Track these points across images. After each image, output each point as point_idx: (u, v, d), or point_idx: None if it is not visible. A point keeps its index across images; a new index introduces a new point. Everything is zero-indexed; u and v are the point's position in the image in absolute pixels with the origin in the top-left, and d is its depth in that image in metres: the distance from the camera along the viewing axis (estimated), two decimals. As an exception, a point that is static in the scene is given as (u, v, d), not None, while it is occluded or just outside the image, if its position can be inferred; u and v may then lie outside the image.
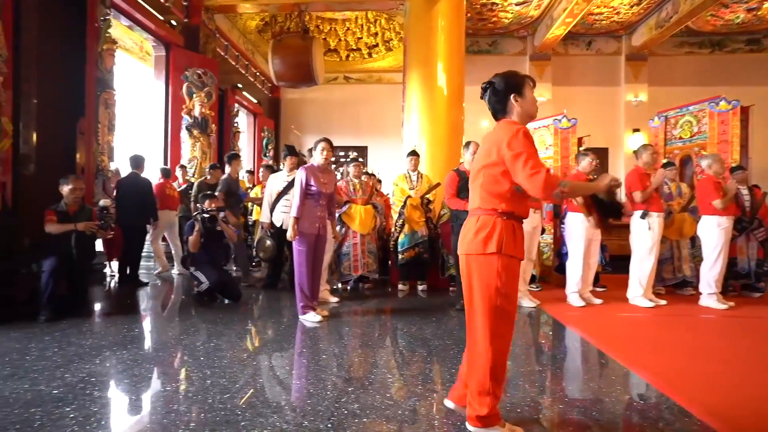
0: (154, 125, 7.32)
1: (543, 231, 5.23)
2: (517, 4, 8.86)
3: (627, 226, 4.53)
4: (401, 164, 5.73)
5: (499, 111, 1.86)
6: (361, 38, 10.37)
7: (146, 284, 5.19)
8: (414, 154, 5.20)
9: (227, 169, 5.56)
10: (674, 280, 4.95)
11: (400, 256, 4.99)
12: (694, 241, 4.84)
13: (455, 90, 6.49)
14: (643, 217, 4.26)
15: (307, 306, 3.68)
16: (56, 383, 2.27)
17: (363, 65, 11.12)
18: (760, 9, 8.73)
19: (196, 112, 7.18)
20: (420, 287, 5.07)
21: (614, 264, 5.65)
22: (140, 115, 8.22)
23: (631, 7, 8.83)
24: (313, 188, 3.63)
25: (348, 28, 10.15)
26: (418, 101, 6.43)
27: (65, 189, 3.83)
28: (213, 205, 4.34)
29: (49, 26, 4.47)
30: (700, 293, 4.42)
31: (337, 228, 4.70)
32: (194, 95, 7.21)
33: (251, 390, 2.26)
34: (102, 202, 3.77)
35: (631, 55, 10.24)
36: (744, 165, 5.28)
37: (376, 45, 10.55)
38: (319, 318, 3.64)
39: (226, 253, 5.02)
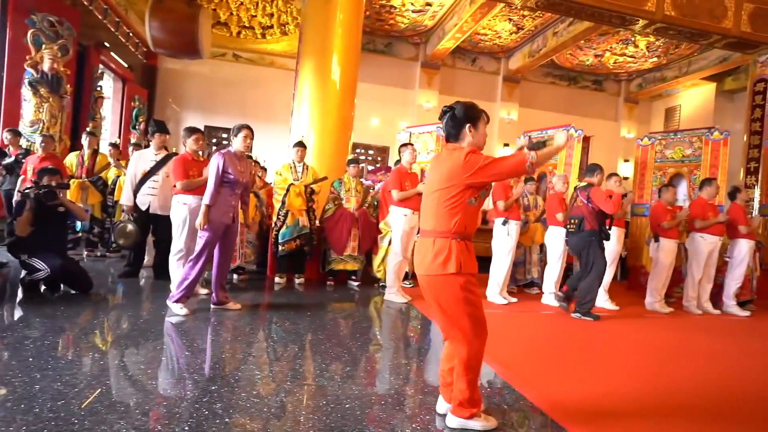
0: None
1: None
2: (414, 12, 9.23)
3: (491, 231, 5.04)
4: (287, 153, 5.59)
5: (452, 135, 1.98)
6: (255, 16, 9.81)
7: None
8: (301, 145, 5.10)
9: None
10: (525, 280, 5.66)
11: (280, 248, 4.87)
12: (542, 247, 5.59)
13: (348, 85, 6.52)
14: (504, 224, 4.78)
15: (183, 297, 3.45)
16: None
17: (255, 45, 10.54)
18: (603, 56, 10.46)
19: (45, 67, 6.08)
20: (297, 280, 5.01)
21: (479, 265, 6.26)
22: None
23: (511, 34, 9.83)
24: (231, 176, 3.45)
25: (241, 3, 9.51)
26: (310, 92, 6.33)
27: None
28: (53, 181, 3.72)
29: None
30: (543, 292, 5.13)
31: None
32: (44, 46, 6.10)
33: (94, 394, 2.01)
34: None
35: (507, 77, 11.39)
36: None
37: (271, 26, 10.07)
38: (185, 311, 3.40)
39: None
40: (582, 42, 9.42)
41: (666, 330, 4.33)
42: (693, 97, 11.24)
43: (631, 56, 10.29)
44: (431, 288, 1.94)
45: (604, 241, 4.42)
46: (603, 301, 5.06)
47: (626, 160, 11.84)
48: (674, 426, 2.20)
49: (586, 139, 7.57)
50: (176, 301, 3.43)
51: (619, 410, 2.33)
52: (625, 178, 10.39)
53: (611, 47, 9.90)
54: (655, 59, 10.31)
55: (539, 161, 1.86)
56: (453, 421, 1.97)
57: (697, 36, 7.01)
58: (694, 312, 5.14)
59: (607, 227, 4.42)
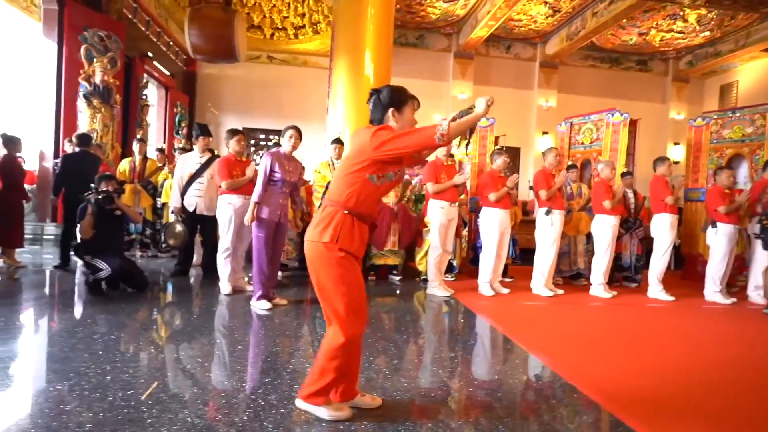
0: (42, 90, 6.44)
1: (465, 225, 5.49)
2: (444, 2, 9.09)
3: (534, 222, 4.91)
4: (324, 151, 5.67)
5: (375, 120, 1.89)
6: (288, 17, 9.98)
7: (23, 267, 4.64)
8: (338, 142, 5.15)
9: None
10: (570, 272, 5.48)
11: (321, 245, 4.94)
12: (589, 237, 5.39)
13: (382, 80, 6.50)
14: (547, 213, 4.64)
15: (264, 294, 3.62)
16: None
17: (288, 46, 10.72)
18: (648, 34, 9.89)
19: (97, 80, 6.44)
20: (340, 276, 5.07)
21: (523, 257, 6.12)
22: (25, 78, 7.19)
23: (547, 17, 9.49)
24: (277, 175, 3.59)
25: (274, 5, 9.71)
26: (345, 89, 6.37)
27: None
28: (110, 186, 3.96)
29: None
30: (591, 284, 4.96)
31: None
32: (95, 60, 6.46)
33: (157, 384, 2.12)
34: None
35: (544, 63, 11.01)
36: (631, 171, 5.95)
37: (303, 26, 10.22)
38: (268, 306, 3.58)
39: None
40: (624, 21, 8.96)
41: (726, 321, 4.09)
42: (752, 72, 10.46)
43: (679, 32, 9.68)
44: (308, 256, 1.83)
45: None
46: (657, 291, 4.84)
47: (676, 143, 11.21)
48: (734, 422, 2.08)
49: (632, 123, 7.22)
50: (258, 299, 3.60)
51: (677, 404, 2.22)
52: (676, 163, 9.85)
53: (657, 24, 9.35)
54: (708, 33, 9.65)
55: (451, 132, 1.69)
56: (302, 404, 1.89)
57: (757, 4, 6.50)
58: (759, 302, 4.81)
59: None
